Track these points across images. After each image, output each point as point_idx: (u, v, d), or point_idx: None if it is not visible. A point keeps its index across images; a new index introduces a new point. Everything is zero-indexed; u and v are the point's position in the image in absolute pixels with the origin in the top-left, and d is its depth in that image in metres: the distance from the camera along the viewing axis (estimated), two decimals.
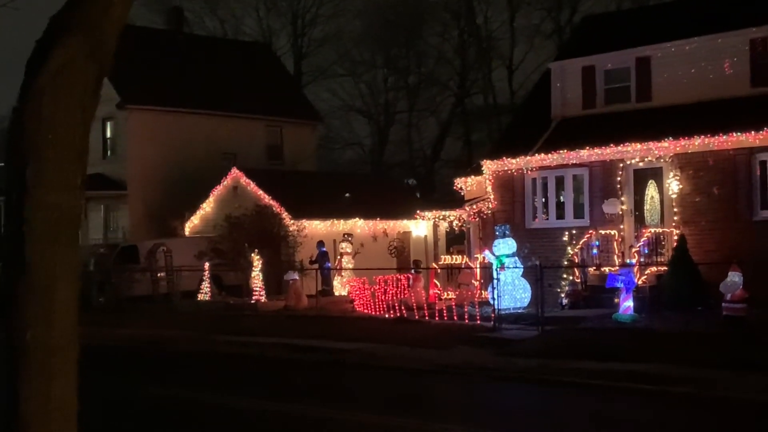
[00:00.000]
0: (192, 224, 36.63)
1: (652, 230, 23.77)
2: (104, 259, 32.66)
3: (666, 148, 23.78)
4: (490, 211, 27.73)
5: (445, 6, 56.32)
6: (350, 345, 20.42)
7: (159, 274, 32.07)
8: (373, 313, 25.22)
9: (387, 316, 24.33)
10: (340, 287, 31.57)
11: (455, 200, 30.71)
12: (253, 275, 29.29)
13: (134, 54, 35.69)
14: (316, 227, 33.35)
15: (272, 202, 33.52)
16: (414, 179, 50.65)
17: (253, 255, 29.39)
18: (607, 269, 23.66)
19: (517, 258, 24.15)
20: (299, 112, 44.95)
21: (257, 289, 29.01)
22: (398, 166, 57.62)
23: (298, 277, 28.92)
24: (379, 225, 35.33)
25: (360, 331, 22.31)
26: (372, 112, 59.93)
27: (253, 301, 28.77)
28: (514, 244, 24.19)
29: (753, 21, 23.70)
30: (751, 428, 11.90)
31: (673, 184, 23.76)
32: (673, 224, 23.68)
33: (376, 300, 25.38)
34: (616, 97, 26.31)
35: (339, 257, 32.32)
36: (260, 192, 34.15)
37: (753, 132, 22.13)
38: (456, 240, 34.90)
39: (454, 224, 30.43)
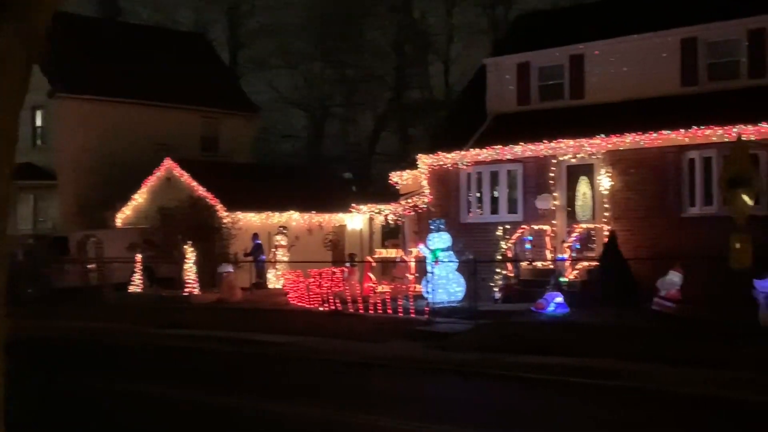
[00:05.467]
0: (124, 215, 36.12)
1: (584, 226, 24.13)
2: (34, 250, 32.05)
3: (598, 144, 24.14)
4: (425, 205, 27.85)
5: (382, 0, 56.36)
6: (284, 338, 20.37)
7: (90, 266, 31.57)
8: (308, 306, 25.16)
9: (321, 309, 24.29)
10: (274, 280, 31.41)
11: (391, 194, 30.78)
12: (186, 267, 29.02)
13: (66, 42, 34.99)
14: (250, 219, 33.14)
15: (206, 194, 33.22)
16: (350, 173, 50.61)
17: (186, 247, 29.11)
18: (539, 263, 23.99)
19: (451, 252, 24.30)
20: (235, 103, 44.58)
21: (190, 281, 28.75)
22: (335, 160, 57.49)
23: (232, 270, 28.72)
24: (315, 218, 35.24)
25: (294, 324, 22.26)
26: (309, 104, 59.74)
27: (185, 294, 28.50)
28: (449, 238, 24.34)
29: (684, 21, 24.16)
30: (678, 420, 12.17)
31: (605, 181, 24.13)
32: (605, 220, 24.05)
33: (311, 293, 25.31)
34: (550, 93, 26.62)
35: (274, 250, 32.17)
36: (194, 183, 33.80)
37: (682, 130, 22.57)
38: (391, 234, 34.97)
39: (390, 218, 30.50)
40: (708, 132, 22.10)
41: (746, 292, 17.88)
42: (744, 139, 19.54)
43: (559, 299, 21.08)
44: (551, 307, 20.87)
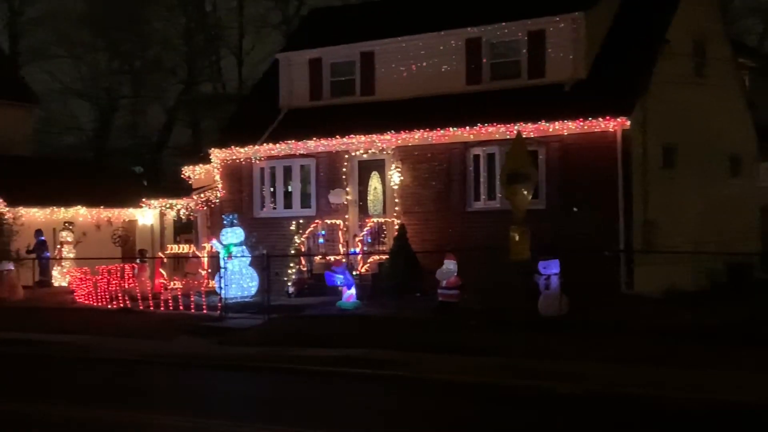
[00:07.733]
0: None
1: (375, 220, 24.64)
2: None
3: (388, 140, 24.70)
4: (218, 200, 27.63)
5: None
6: (69, 337, 19.70)
7: None
8: (96, 304, 24.45)
9: (110, 307, 23.66)
10: (60, 278, 30.31)
11: (183, 189, 30.31)
12: None
13: None
14: (34, 215, 31.80)
15: None
16: (140, 167, 49.30)
17: None
18: (332, 258, 24.28)
19: (244, 247, 24.21)
20: (13, 93, 42.14)
21: None
22: (123, 153, 55.71)
23: (13, 268, 27.41)
24: (103, 213, 34.15)
25: (81, 323, 21.59)
26: (94, 96, 57.51)
27: None
28: (242, 233, 24.23)
29: (469, 22, 25.06)
30: (458, 407, 12.67)
31: (395, 176, 24.74)
32: (395, 214, 24.66)
33: (99, 291, 24.61)
34: (342, 89, 26.97)
35: (59, 246, 31.04)
36: None
37: (467, 127, 23.47)
38: (183, 229, 34.43)
39: (182, 213, 30.05)
40: (491, 129, 23.09)
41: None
42: (523, 136, 20.56)
43: (353, 291, 21.41)
44: (340, 280, 21.16)
